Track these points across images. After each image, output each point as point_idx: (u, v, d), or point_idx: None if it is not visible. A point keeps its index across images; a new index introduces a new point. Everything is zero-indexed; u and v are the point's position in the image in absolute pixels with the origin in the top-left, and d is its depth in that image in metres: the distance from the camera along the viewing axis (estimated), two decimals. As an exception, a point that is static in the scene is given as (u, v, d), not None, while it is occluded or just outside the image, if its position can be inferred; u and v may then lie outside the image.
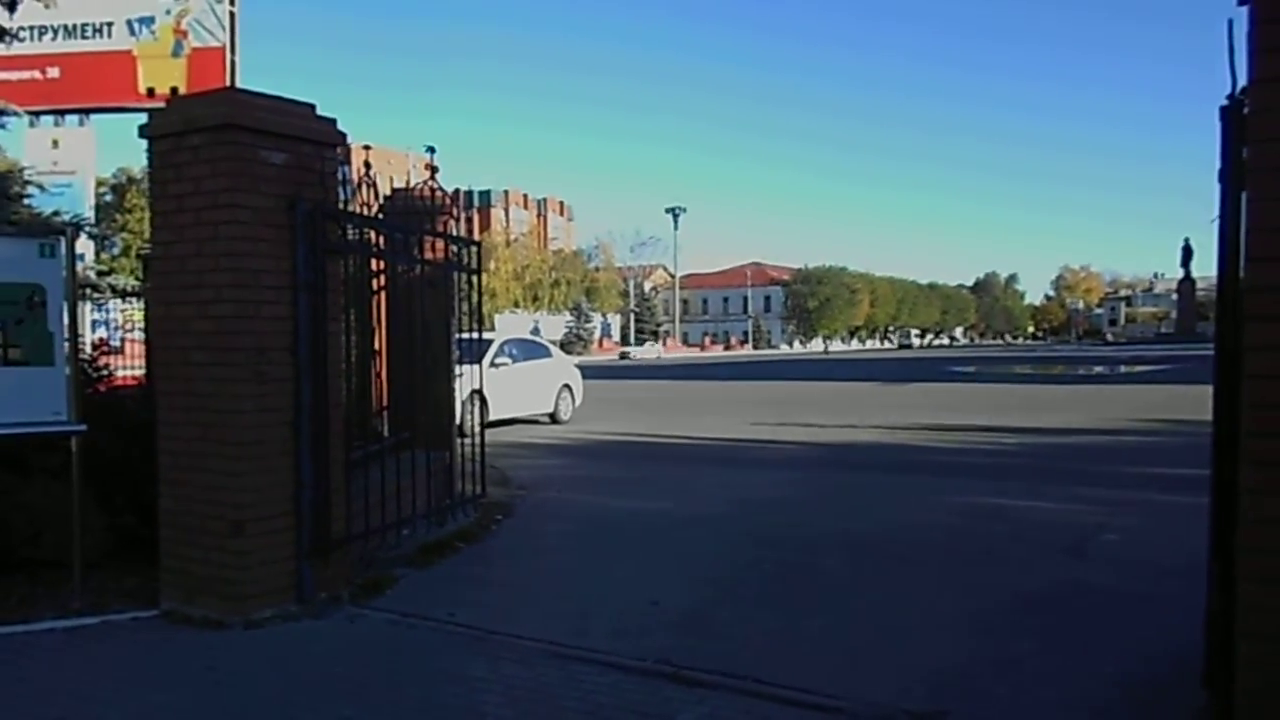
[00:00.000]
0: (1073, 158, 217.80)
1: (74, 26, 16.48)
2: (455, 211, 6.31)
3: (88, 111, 16.81)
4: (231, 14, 16.17)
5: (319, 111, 5.08)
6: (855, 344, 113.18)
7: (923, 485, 9.00)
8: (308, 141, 5.02)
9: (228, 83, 16.36)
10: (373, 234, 5.63)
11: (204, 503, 4.85)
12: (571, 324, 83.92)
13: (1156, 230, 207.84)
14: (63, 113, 16.49)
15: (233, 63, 16.26)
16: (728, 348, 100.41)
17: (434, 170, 6.16)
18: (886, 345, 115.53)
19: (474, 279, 6.70)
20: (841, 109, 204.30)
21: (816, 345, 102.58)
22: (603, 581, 5.66)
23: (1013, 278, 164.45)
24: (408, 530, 5.94)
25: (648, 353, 79.44)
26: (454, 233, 6.53)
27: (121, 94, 16.65)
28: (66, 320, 4.91)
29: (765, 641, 4.49)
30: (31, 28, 15.69)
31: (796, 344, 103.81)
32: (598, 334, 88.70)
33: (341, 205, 5.30)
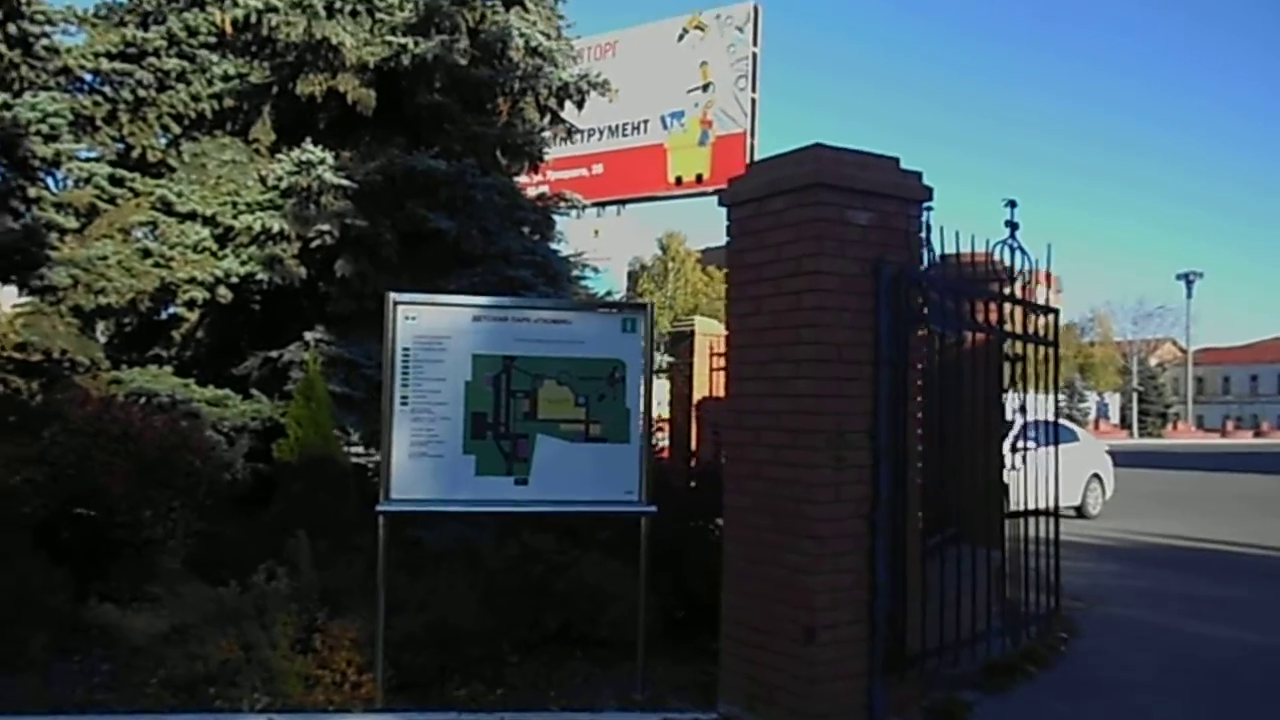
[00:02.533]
0: None
1: (617, 126, 18.34)
2: (1023, 276, 5.37)
3: (624, 202, 18.54)
4: (753, 100, 16.93)
5: (901, 165, 4.52)
6: None
7: None
8: (893, 198, 4.46)
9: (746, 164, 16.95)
10: (951, 302, 4.90)
11: (772, 600, 4.38)
12: (1063, 404, 77.13)
13: None
14: (603, 204, 18.32)
15: (752, 146, 16.96)
16: (1257, 434, 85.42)
17: (1014, 228, 5.31)
18: None
19: (1050, 352, 5.70)
20: None
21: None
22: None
23: None
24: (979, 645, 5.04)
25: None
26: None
27: (653, 184, 18.13)
28: (642, 397, 4.79)
29: None
30: (585, 130, 17.68)
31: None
32: (1093, 415, 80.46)
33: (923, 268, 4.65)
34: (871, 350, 4.36)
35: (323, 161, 8.10)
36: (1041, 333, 5.63)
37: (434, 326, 4.62)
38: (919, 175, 4.55)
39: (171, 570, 6.62)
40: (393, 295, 4.60)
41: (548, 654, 5.51)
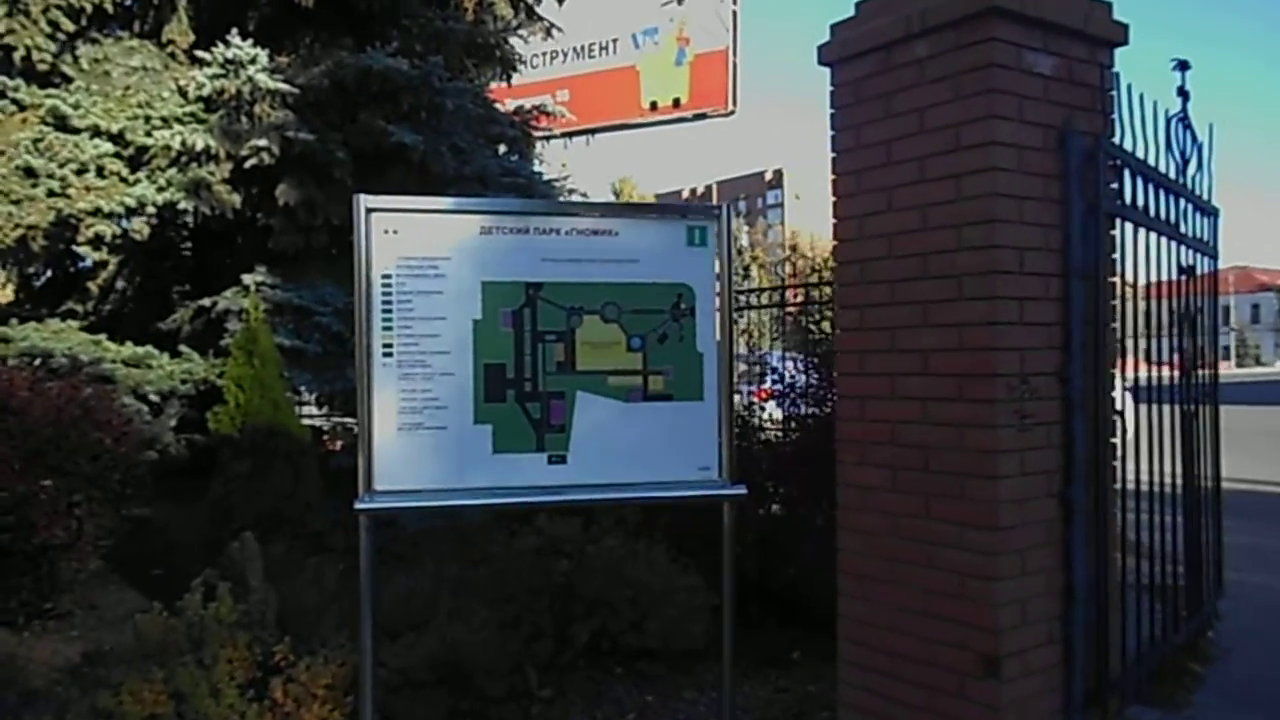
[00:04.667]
0: None
1: (583, 48, 16.65)
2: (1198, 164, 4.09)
3: (593, 132, 16.96)
4: (734, 11, 15.37)
5: (1084, -4, 3.17)
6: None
7: None
8: (1081, 38, 3.11)
9: (730, 90, 15.50)
10: (1151, 191, 3.59)
11: (923, 616, 3.10)
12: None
13: None
14: (571, 135, 16.73)
15: (735, 64, 15.44)
16: (1160, 365, 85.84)
17: (1185, 97, 4.01)
18: None
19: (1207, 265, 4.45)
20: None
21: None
22: None
23: None
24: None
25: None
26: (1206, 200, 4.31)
27: (625, 111, 16.52)
28: (720, 337, 3.43)
29: None
30: (545, 54, 15.96)
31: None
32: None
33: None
34: (1060, 258, 3.05)
35: (254, 60, 6.54)
36: (1207, 240, 4.38)
37: (426, 243, 3.20)
38: (1110, 7, 3.21)
39: (86, 577, 5.21)
40: (364, 199, 3.18)
41: (581, 675, 4.24)
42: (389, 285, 3.17)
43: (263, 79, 6.57)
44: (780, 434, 5.45)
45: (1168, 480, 3.99)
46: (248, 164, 6.74)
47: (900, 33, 3.10)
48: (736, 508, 3.41)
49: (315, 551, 4.80)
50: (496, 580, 4.44)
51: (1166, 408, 3.98)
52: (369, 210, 3.16)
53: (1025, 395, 2.95)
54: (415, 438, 3.20)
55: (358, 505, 3.09)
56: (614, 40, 16.42)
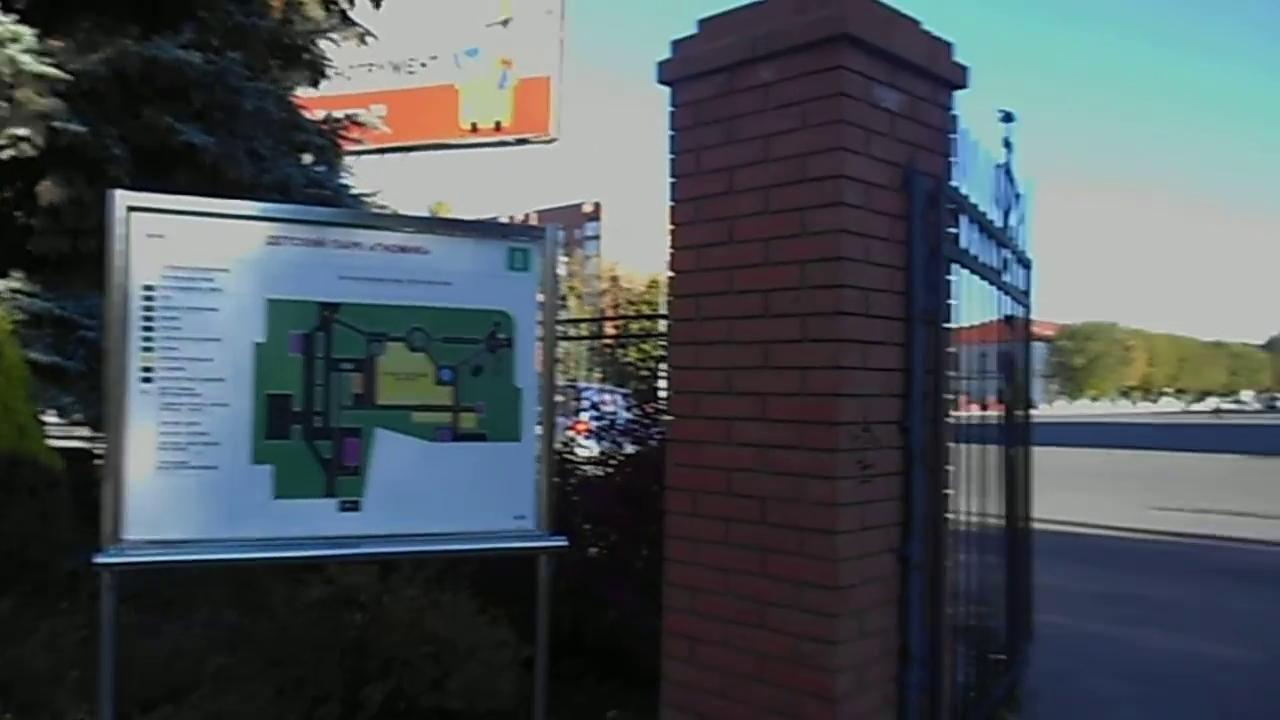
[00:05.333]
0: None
1: (400, 63, 16.02)
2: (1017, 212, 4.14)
3: (409, 149, 16.31)
4: (561, 40, 15.18)
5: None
6: (1149, 406, 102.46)
7: None
8: (926, 76, 3.01)
9: (553, 117, 15.29)
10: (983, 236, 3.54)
11: (754, 683, 2.86)
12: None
13: None
14: (384, 151, 16.02)
15: (558, 92, 15.22)
16: (983, 407, 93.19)
17: (1009, 147, 4.04)
18: (1191, 408, 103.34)
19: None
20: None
21: (1083, 406, 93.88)
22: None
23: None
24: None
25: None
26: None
27: (443, 130, 15.98)
28: (541, 371, 3.11)
29: None
30: (362, 65, 15.23)
31: (1060, 403, 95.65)
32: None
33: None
34: (904, 301, 2.91)
35: (17, 39, 5.74)
36: (1025, 289, 4.44)
37: (200, 252, 2.72)
38: (951, 47, 3.13)
39: None
40: (122, 195, 2.66)
41: (372, 746, 3.76)
42: (151, 298, 2.68)
43: (26, 61, 5.78)
44: (600, 472, 5.16)
45: (990, 522, 3.97)
46: (4, 154, 5.88)
47: (745, 54, 2.91)
48: (554, 558, 3.07)
49: (65, 600, 4.10)
50: (278, 637, 3.91)
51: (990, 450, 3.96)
52: (130, 209, 2.66)
53: (867, 444, 2.78)
54: (178, 479, 2.70)
55: (98, 559, 2.55)
56: (434, 58, 15.90)
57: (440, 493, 2.99)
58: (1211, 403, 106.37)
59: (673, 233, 3.13)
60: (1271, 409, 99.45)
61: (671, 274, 3.14)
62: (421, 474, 2.98)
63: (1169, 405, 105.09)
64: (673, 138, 3.15)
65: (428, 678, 3.93)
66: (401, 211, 10.08)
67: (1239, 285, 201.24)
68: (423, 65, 16.02)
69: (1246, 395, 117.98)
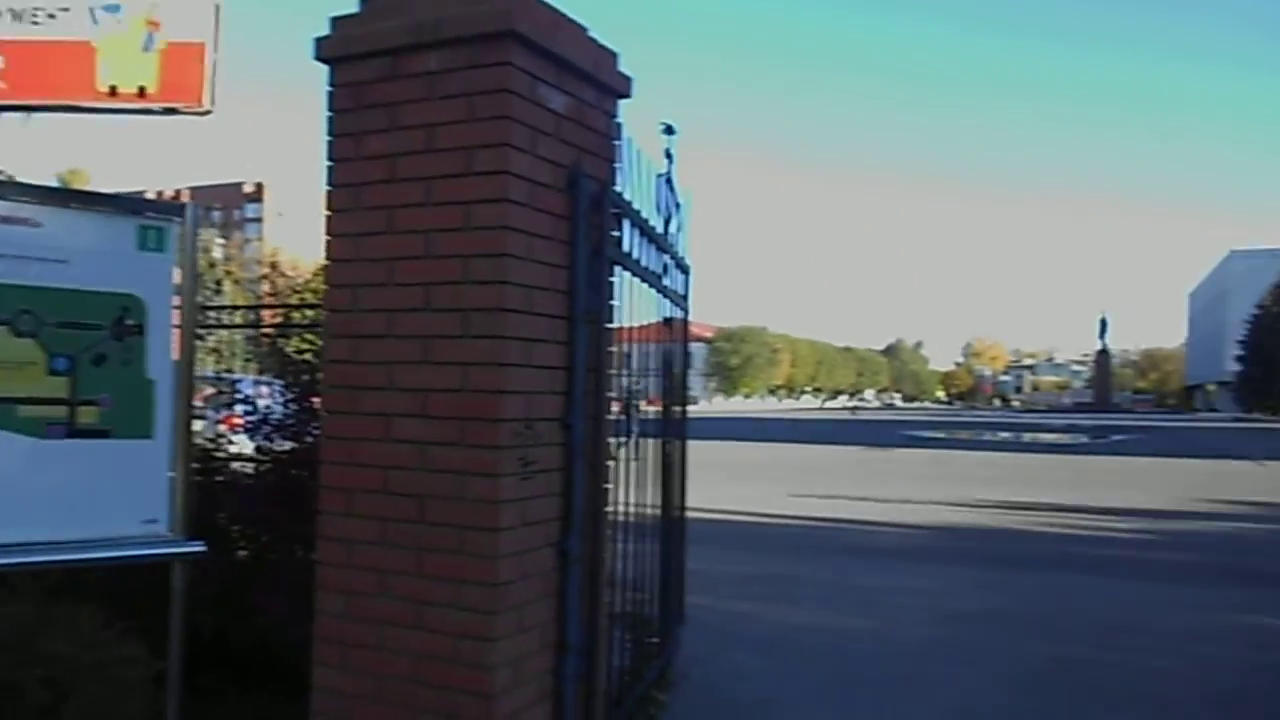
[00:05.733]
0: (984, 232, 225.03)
1: (22, 10, 14.04)
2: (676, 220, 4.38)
3: (32, 109, 14.30)
4: (217, 6, 13.97)
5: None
6: (793, 403, 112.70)
7: (1143, 594, 7.28)
8: (591, 82, 3.09)
9: (206, 87, 14.05)
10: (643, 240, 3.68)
11: (410, 684, 2.79)
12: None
13: (1054, 304, 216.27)
14: (2, 109, 13.93)
15: (213, 61, 14.01)
16: (649, 403, 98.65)
17: (671, 159, 4.25)
18: (826, 405, 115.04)
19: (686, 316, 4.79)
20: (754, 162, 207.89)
21: (738, 403, 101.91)
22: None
23: (920, 343, 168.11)
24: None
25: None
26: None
27: (76, 90, 14.17)
28: (176, 362, 2.83)
29: None
30: (-28, 7, 13.16)
31: (718, 400, 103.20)
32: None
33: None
34: (566, 300, 2.96)
35: None
36: (683, 294, 4.69)
37: None
38: (616, 56, 3.23)
39: None
40: None
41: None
42: None
43: None
44: (252, 469, 4.81)
45: (647, 512, 4.16)
46: None
47: (411, 39, 2.82)
48: (191, 565, 2.82)
49: None
50: None
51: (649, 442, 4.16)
52: None
53: (530, 441, 2.80)
54: None
55: None
56: (65, 9, 14.07)
57: (53, 496, 2.64)
58: (842, 400, 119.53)
59: (329, 219, 2.97)
60: (890, 406, 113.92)
61: (328, 262, 2.98)
62: (30, 475, 2.61)
63: (808, 402, 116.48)
64: (331, 119, 2.99)
65: (37, 704, 3.47)
66: (20, 179, 8.78)
67: (865, 297, 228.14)
68: (51, 16, 14.11)
69: (869, 394, 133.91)
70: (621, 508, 3.67)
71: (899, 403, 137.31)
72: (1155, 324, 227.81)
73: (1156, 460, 23.28)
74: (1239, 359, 76.76)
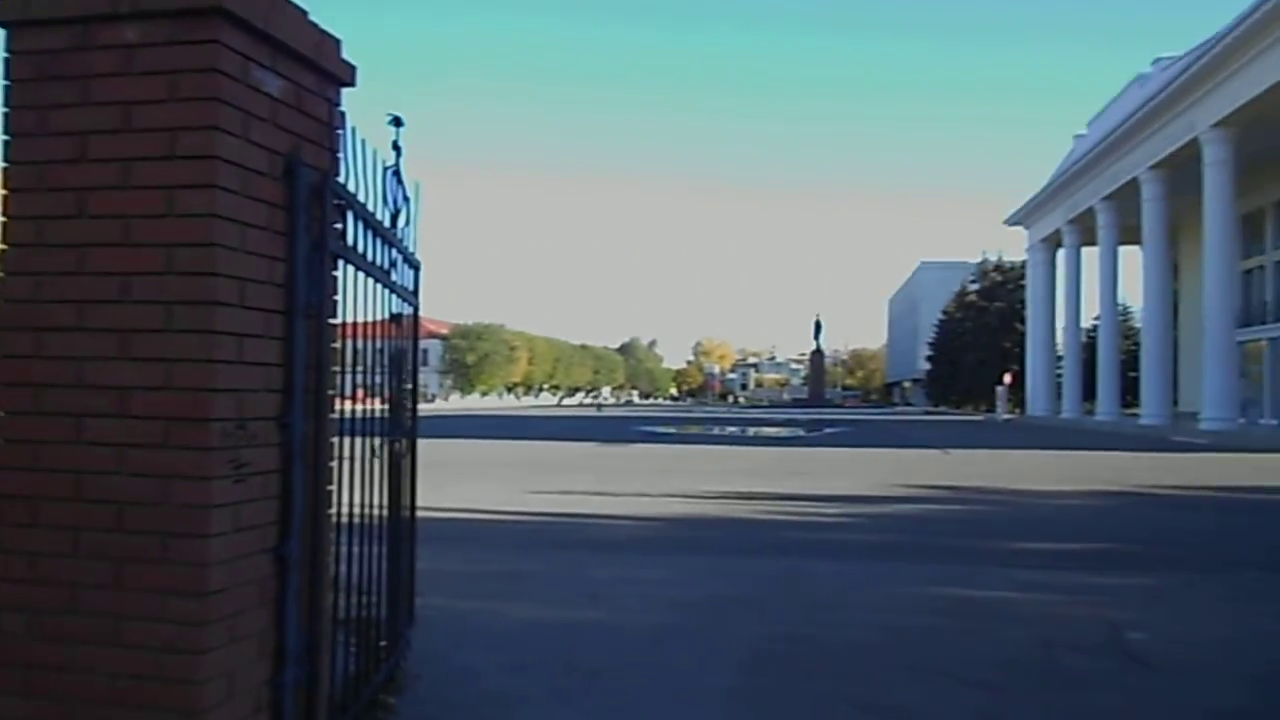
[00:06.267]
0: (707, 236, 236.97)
1: None
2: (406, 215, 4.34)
3: None
4: None
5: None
6: (527, 400, 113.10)
7: (849, 573, 7.93)
8: (312, 68, 2.98)
9: None
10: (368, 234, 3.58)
11: (106, 705, 2.58)
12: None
13: (775, 307, 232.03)
14: None
15: None
16: (383, 401, 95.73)
17: (399, 151, 4.17)
18: (564, 403, 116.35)
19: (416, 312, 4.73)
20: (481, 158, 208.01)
21: (475, 400, 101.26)
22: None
23: (654, 342, 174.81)
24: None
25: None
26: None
27: None
28: None
29: None
30: None
31: (454, 398, 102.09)
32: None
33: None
34: (284, 294, 2.85)
35: None
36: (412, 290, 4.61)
37: None
38: (339, 43, 3.14)
39: None
40: None
41: None
42: None
43: None
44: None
45: (375, 512, 4.06)
46: None
47: (106, 8, 2.61)
48: None
49: None
50: None
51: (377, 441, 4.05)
52: None
53: (243, 442, 2.66)
54: None
55: None
56: None
57: None
58: (579, 397, 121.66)
59: (7, 199, 2.68)
60: (629, 403, 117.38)
61: (4, 246, 2.69)
62: None
63: (546, 400, 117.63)
64: (9, 88, 2.70)
65: None
66: None
67: (601, 296, 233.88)
68: None
69: (606, 391, 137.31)
70: (348, 509, 3.58)
71: (637, 399, 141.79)
72: (862, 326, 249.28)
73: (862, 450, 25.51)
74: (928, 359, 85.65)
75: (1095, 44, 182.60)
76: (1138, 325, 46.48)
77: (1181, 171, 36.86)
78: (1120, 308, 50.98)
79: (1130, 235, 43.60)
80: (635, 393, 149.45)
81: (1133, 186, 40.88)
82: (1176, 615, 6.49)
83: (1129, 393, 46.66)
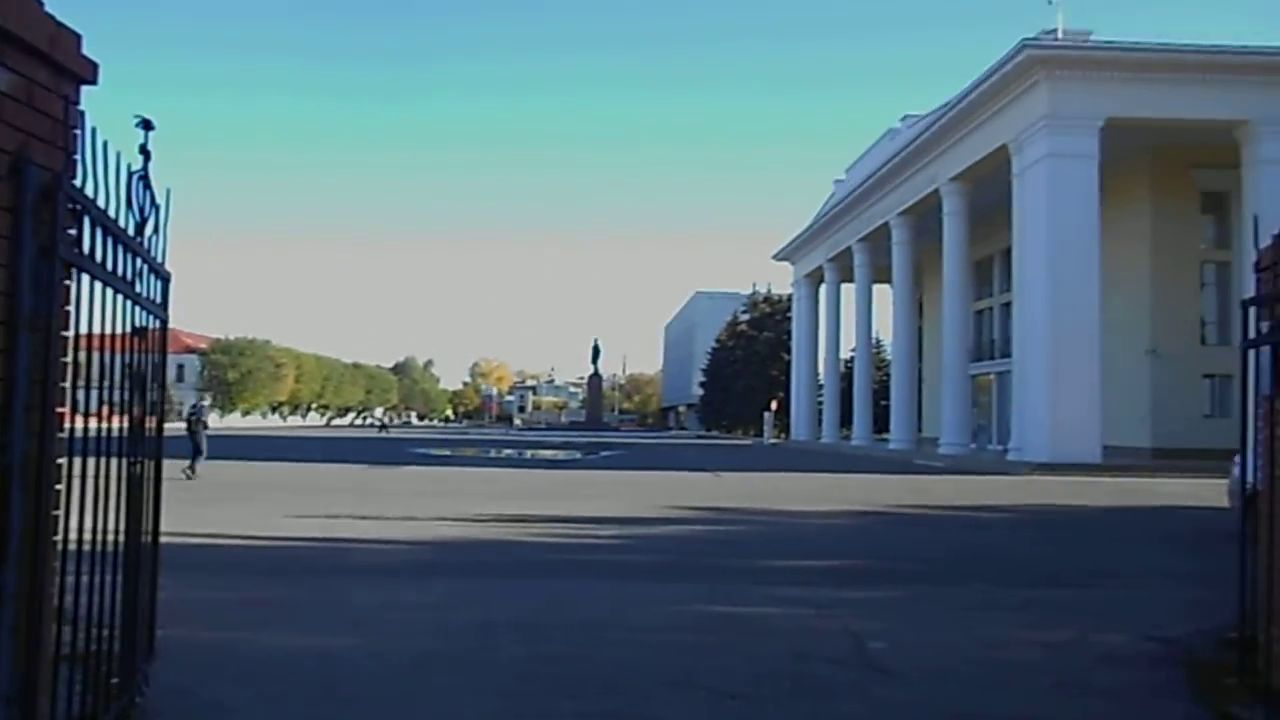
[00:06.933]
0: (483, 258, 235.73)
1: None
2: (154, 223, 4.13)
3: None
4: None
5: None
6: (294, 420, 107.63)
7: (618, 593, 8.09)
8: (46, 62, 2.79)
9: None
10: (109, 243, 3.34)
11: None
12: None
13: (553, 330, 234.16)
14: None
15: None
16: (124, 419, 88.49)
17: (148, 156, 3.94)
18: (334, 423, 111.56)
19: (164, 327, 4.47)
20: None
21: (235, 420, 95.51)
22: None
23: (430, 362, 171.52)
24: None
25: None
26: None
27: None
28: None
29: None
30: None
31: (213, 417, 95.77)
32: None
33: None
34: (7, 303, 2.63)
35: None
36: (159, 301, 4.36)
37: None
38: (80, 39, 2.95)
39: None
40: None
41: None
42: None
43: None
44: None
45: (108, 538, 3.78)
46: None
47: None
48: None
49: None
50: None
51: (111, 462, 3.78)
52: None
53: None
54: None
55: None
56: None
57: None
58: (350, 418, 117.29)
59: None
60: (408, 424, 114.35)
61: None
62: None
63: (315, 420, 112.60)
64: None
65: None
66: None
67: (374, 313, 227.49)
68: None
69: (379, 411, 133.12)
70: (79, 535, 3.32)
71: (415, 420, 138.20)
72: (640, 352, 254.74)
73: (636, 473, 26.11)
74: (702, 385, 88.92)
75: (855, 91, 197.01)
76: (889, 358, 50.21)
77: (925, 219, 40.44)
78: (874, 341, 55.08)
79: (883, 275, 47.29)
80: (413, 414, 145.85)
81: (885, 230, 44.42)
82: (912, 625, 7.06)
83: (880, 419, 50.26)
